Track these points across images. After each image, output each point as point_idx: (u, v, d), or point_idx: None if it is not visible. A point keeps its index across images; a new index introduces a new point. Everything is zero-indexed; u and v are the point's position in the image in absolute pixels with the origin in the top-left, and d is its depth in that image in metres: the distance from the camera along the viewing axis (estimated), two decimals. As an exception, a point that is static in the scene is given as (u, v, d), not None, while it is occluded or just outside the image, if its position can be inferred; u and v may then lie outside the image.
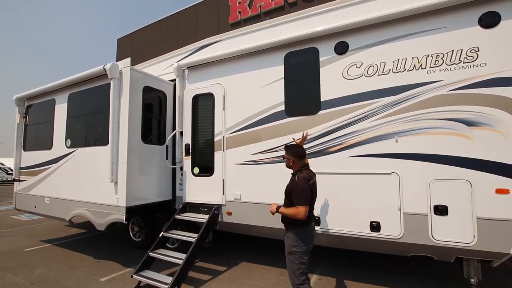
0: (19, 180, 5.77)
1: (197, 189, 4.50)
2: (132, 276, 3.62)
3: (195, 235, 3.83)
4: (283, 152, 3.85)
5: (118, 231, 6.39)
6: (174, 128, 4.77)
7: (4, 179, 24.19)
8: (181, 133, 4.67)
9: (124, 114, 4.02)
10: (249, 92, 4.18)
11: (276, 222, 3.83)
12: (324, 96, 3.66)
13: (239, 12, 11.29)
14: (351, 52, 3.53)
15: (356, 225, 3.36)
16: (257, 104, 4.10)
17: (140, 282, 3.65)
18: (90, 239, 6.07)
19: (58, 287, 3.68)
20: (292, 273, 2.54)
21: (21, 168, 5.78)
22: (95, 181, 4.30)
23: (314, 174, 2.77)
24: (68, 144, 4.81)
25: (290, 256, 2.55)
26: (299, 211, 2.45)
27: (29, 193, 5.45)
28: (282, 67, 3.96)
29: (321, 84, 3.69)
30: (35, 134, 5.66)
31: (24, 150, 5.80)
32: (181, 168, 4.65)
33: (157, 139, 4.60)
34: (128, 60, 4.07)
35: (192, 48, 4.95)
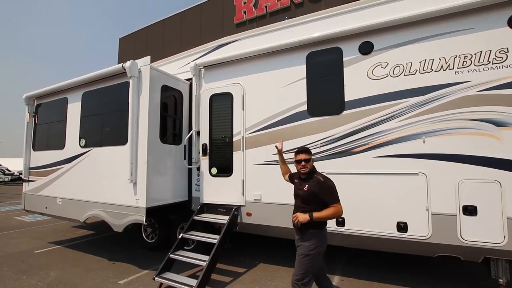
0: (29, 181, 5.63)
1: (215, 190, 4.45)
2: (154, 279, 3.55)
3: (217, 236, 3.78)
4: (305, 152, 3.92)
5: (127, 232, 6.31)
6: (190, 128, 4.72)
7: (1, 180, 23.76)
8: (198, 132, 4.62)
9: (143, 113, 3.95)
10: (270, 92, 4.15)
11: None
12: (349, 96, 3.65)
13: (245, 12, 11.28)
14: (376, 52, 3.52)
15: (382, 226, 3.34)
16: (278, 104, 4.08)
17: (161, 284, 3.59)
18: (100, 241, 5.97)
19: (77, 290, 3.59)
20: (302, 275, 2.47)
21: (31, 168, 5.64)
22: (112, 182, 4.22)
23: None
24: (82, 144, 4.72)
25: (307, 258, 2.49)
26: (338, 209, 2.44)
27: (39, 194, 5.33)
28: (304, 66, 3.94)
29: (345, 84, 3.68)
30: (46, 134, 5.54)
31: (34, 150, 5.68)
32: (198, 169, 4.60)
33: (174, 139, 4.54)
34: (147, 59, 4.01)
35: (208, 47, 4.89)
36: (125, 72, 4.04)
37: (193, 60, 4.81)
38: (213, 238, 3.78)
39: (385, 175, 3.37)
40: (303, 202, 2.58)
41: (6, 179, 24.00)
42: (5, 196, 15.29)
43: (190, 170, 4.73)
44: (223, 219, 4.05)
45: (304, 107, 3.89)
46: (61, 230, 6.93)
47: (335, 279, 3.85)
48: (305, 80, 3.92)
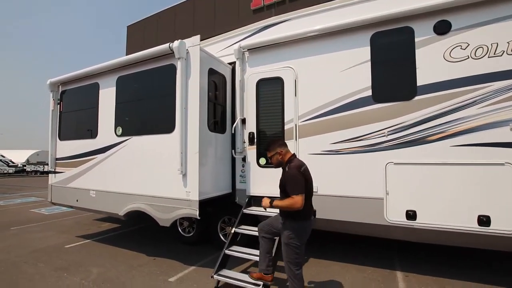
0: (55, 172, 5.30)
1: (264, 181, 4.17)
2: (212, 276, 3.30)
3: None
4: (369, 141, 3.66)
5: (156, 225, 6.07)
6: (233, 115, 4.41)
7: (5, 172, 23.30)
8: (243, 120, 4.31)
9: (193, 98, 3.62)
10: (327, 77, 3.84)
11: (362, 217, 3.63)
12: (421, 80, 3.35)
13: (263, -2, 10.80)
14: (455, 32, 3.22)
15: (461, 220, 3.10)
16: (336, 90, 3.77)
17: (218, 282, 3.35)
18: (129, 234, 5.71)
19: (128, 289, 3.33)
20: (289, 263, 2.54)
21: (57, 159, 5.30)
22: (156, 173, 3.92)
23: (303, 162, 2.70)
24: (119, 133, 4.37)
25: (287, 247, 2.54)
26: (295, 200, 2.38)
27: (68, 186, 5.01)
28: (368, 48, 3.62)
29: (417, 67, 3.38)
30: (73, 122, 5.18)
31: (60, 139, 5.32)
32: (244, 159, 4.31)
33: (219, 127, 4.22)
34: (197, 38, 3.65)
35: (252, 29, 4.53)
36: (172, 53, 3.69)
37: (236, 43, 4.47)
38: (272, 233, 3.51)
39: (464, 165, 3.12)
40: (280, 192, 2.62)
41: (11, 171, 23.63)
42: (14, 188, 14.92)
43: (233, 160, 4.44)
44: (274, 212, 3.77)
45: (368, 93, 3.59)
46: (84, 223, 6.66)
47: (398, 275, 3.65)
48: (369, 63, 3.61)
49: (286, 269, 2.56)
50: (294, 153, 2.81)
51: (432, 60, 3.31)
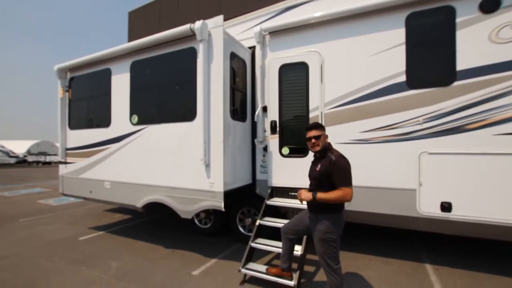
0: (66, 162, 5.11)
1: (287, 172, 4.00)
2: (239, 271, 3.17)
3: (304, 223, 3.37)
4: (402, 130, 3.47)
5: (169, 216, 5.95)
6: (253, 102, 4.20)
7: (7, 162, 23.10)
8: (264, 108, 4.10)
9: (216, 84, 3.40)
10: (356, 61, 3.61)
11: (392, 209, 3.48)
12: (462, 64, 3.13)
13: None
14: (505, 10, 2.97)
15: (502, 212, 2.95)
16: (367, 75, 3.55)
17: (245, 275, 3.23)
18: (142, 226, 5.58)
19: (151, 284, 3.20)
20: (327, 258, 2.37)
21: (67, 149, 5.10)
22: (176, 163, 3.73)
23: None
24: (135, 121, 4.16)
25: (324, 243, 2.36)
26: (346, 193, 2.22)
27: (81, 177, 4.83)
28: (403, 30, 3.38)
29: (457, 50, 3.15)
30: (84, 111, 4.95)
31: (70, 128, 5.10)
32: (265, 149, 4.12)
33: (239, 115, 4.01)
34: (220, 18, 3.40)
35: (273, 11, 4.26)
36: (192, 35, 3.44)
37: (257, 25, 4.20)
38: (300, 226, 3.37)
39: (508, 155, 2.94)
40: (316, 184, 2.40)
41: (12, 162, 23.44)
42: (18, 178, 14.77)
43: (253, 150, 4.25)
44: (303, 204, 3.62)
45: (402, 78, 3.38)
46: (94, 214, 6.53)
47: (427, 268, 3.53)
48: (404, 46, 3.37)
49: (323, 265, 2.41)
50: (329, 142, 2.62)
51: (474, 42, 3.08)
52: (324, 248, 2.37)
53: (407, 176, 3.34)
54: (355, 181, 3.49)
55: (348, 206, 3.68)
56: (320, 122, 3.77)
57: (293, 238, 2.88)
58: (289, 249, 2.93)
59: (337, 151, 2.43)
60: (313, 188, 2.43)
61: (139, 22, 14.13)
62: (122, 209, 6.69)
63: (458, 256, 3.84)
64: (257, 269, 3.21)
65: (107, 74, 4.50)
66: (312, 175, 2.47)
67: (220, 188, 3.37)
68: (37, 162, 26.01)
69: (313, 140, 2.44)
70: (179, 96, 3.82)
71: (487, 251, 3.99)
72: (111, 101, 4.46)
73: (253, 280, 3.20)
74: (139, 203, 4.05)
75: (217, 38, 3.41)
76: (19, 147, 28.40)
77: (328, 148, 2.47)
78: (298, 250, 3.15)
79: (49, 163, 26.41)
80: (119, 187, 4.29)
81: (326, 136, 2.51)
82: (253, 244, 3.41)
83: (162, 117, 3.93)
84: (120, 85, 4.32)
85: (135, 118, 4.15)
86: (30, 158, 26.03)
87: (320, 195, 2.27)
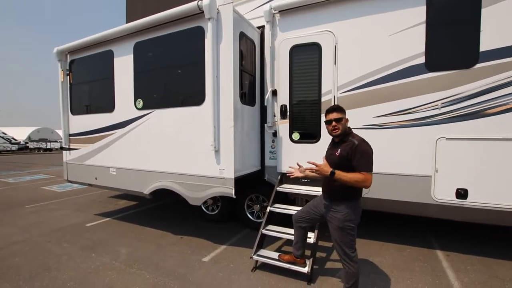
0: (69, 149, 5.01)
1: (297, 158, 3.83)
2: (251, 257, 3.14)
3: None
4: (418, 114, 3.34)
5: (176, 202, 5.94)
6: (262, 85, 4.04)
7: (9, 149, 23.05)
8: (274, 92, 3.95)
9: (226, 66, 3.24)
10: (372, 42, 3.43)
11: (405, 195, 3.41)
12: (485, 45, 2.96)
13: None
14: (534, -14, 2.78)
15: (521, 199, 2.89)
16: (383, 56, 3.38)
17: (257, 262, 3.21)
18: (149, 212, 5.57)
19: (163, 270, 3.18)
20: (344, 246, 2.29)
21: (71, 135, 4.98)
22: (184, 149, 3.63)
23: None
24: (140, 106, 4.02)
25: (341, 231, 2.28)
26: (367, 178, 2.10)
27: (85, 163, 4.75)
28: (424, 8, 3.18)
29: (481, 29, 2.97)
30: (86, 95, 4.80)
31: (73, 114, 4.96)
32: (274, 134, 4.01)
33: (247, 99, 3.86)
34: (229, -6, 3.19)
35: (282, -12, 4.02)
36: (199, 13, 3.24)
37: (266, 3, 3.97)
38: (312, 212, 3.31)
39: (531, 141, 2.84)
40: (337, 166, 2.20)
41: (14, 148, 23.38)
42: (20, 165, 14.77)
43: (262, 136, 4.14)
44: (315, 190, 3.57)
45: (421, 60, 3.21)
46: (99, 200, 6.51)
47: (439, 254, 3.52)
48: (424, 25, 3.18)
49: (340, 253, 2.34)
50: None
51: (501, 21, 2.89)
52: (342, 237, 2.29)
53: (422, 163, 3.25)
54: (368, 167, 3.50)
55: (362, 193, 3.64)
56: (333, 106, 3.65)
57: (306, 226, 2.83)
58: (302, 236, 2.89)
59: (358, 136, 2.31)
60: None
61: (137, 3, 13.63)
62: (126, 195, 6.67)
63: (467, 242, 3.82)
64: (269, 255, 3.19)
65: (109, 56, 4.31)
66: (330, 159, 2.31)
67: (230, 174, 3.29)
68: (38, 149, 25.96)
69: (333, 123, 2.30)
70: (186, 79, 3.66)
71: (496, 237, 3.97)
72: (114, 85, 4.29)
73: (265, 266, 3.18)
74: (146, 189, 3.98)
75: (226, 16, 3.21)
76: (20, 134, 28.24)
77: (348, 132, 2.36)
78: (311, 237, 3.12)
79: (50, 149, 26.37)
80: (125, 173, 4.21)
81: (347, 120, 2.39)
82: (264, 231, 3.37)
83: (169, 102, 3.78)
84: (123, 68, 4.15)
85: (140, 103, 4.01)
86: (31, 145, 25.97)
87: (341, 174, 2.12)
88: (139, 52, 4.00)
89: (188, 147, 3.59)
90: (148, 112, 3.94)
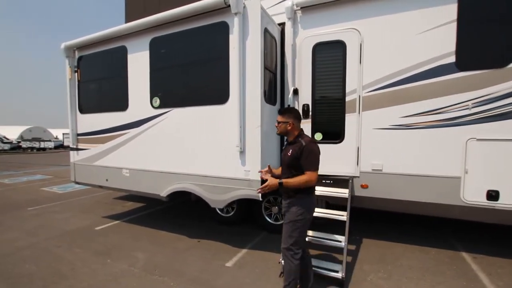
0: (77, 149, 4.80)
1: (320, 159, 3.80)
2: (280, 262, 3.03)
3: (344, 213, 3.22)
4: (448, 115, 3.28)
5: (185, 203, 5.78)
6: (282, 83, 3.93)
7: (0, 148, 22.34)
8: (295, 91, 3.84)
9: (253, 63, 3.11)
10: (400, 40, 3.35)
11: (434, 197, 3.34)
12: (520, 43, 2.91)
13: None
14: None
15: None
16: (411, 55, 3.31)
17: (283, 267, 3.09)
18: (159, 214, 5.39)
19: (187, 277, 3.04)
20: (291, 241, 2.35)
21: (79, 135, 4.77)
22: (206, 150, 3.49)
23: None
24: (156, 104, 3.85)
25: (293, 224, 2.35)
26: (311, 177, 2.25)
27: (95, 164, 4.55)
28: (455, 6, 3.11)
29: (516, 28, 2.92)
30: (97, 93, 4.59)
31: (81, 112, 4.75)
32: (295, 134, 3.89)
33: (269, 97, 3.74)
34: (256, -12, 3.05)
35: (305, -17, 3.91)
36: (225, 7, 3.11)
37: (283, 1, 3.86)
38: (341, 215, 3.22)
39: None
40: (287, 168, 2.41)
41: (6, 148, 22.67)
42: (15, 165, 14.29)
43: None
44: (343, 192, 3.46)
45: (451, 59, 3.14)
46: (104, 202, 6.30)
47: (465, 256, 3.46)
48: (455, 23, 3.12)
49: (285, 247, 2.37)
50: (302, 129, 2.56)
51: (536, 19, 2.85)
52: (291, 231, 2.35)
53: (451, 164, 3.19)
54: (395, 168, 3.43)
55: (386, 195, 3.56)
56: (356, 106, 3.57)
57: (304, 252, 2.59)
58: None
59: (308, 137, 2.44)
60: (284, 173, 2.46)
61: (136, 2, 13.35)
62: (133, 196, 6.47)
63: (490, 244, 3.78)
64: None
65: (122, 52, 4.13)
66: (284, 160, 2.46)
67: (257, 176, 3.16)
68: (31, 148, 25.26)
69: (276, 123, 2.54)
70: (207, 77, 3.51)
71: (519, 239, 3.94)
72: (127, 83, 4.11)
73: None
74: (164, 192, 3.82)
75: (253, 11, 3.08)
76: (11, 133, 27.49)
77: (298, 134, 2.47)
78: (341, 241, 3.03)
79: (44, 149, 25.67)
80: (140, 175, 4.04)
81: (291, 124, 2.44)
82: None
83: (188, 100, 3.63)
84: (138, 65, 3.97)
85: (157, 101, 3.84)
86: (24, 144, 25.24)
87: (288, 181, 2.27)
88: (155, 48, 3.83)
89: (210, 147, 3.45)
90: (166, 111, 3.77)
